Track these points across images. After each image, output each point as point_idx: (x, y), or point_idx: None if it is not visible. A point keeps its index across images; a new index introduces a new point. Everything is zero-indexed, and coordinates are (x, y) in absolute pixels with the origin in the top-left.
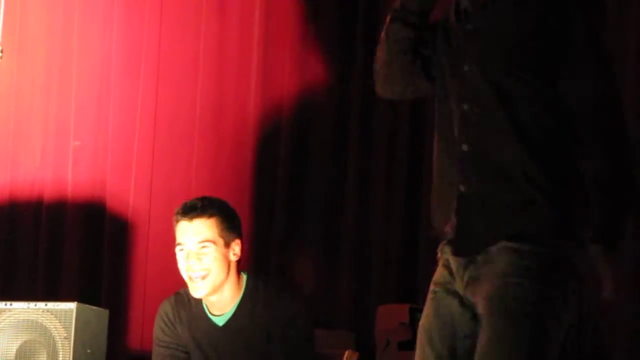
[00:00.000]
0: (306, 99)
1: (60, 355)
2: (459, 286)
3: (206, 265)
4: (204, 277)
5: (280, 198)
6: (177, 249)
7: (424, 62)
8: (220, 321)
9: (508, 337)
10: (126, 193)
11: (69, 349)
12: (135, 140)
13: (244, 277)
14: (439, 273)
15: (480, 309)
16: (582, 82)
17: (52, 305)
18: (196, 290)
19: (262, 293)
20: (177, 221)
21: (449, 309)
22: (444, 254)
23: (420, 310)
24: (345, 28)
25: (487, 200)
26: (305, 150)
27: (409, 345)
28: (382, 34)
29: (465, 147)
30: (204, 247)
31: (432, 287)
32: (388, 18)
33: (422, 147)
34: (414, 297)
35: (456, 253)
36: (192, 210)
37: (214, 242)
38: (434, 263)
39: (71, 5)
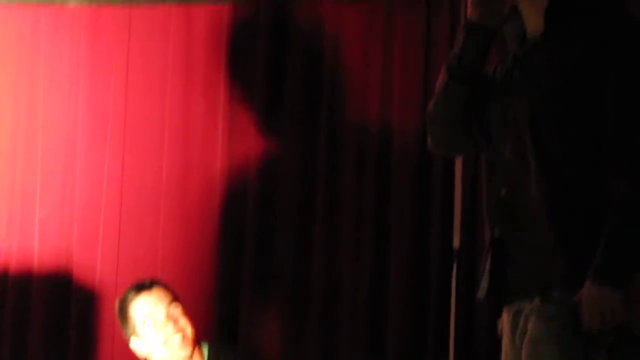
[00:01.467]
0: (272, 162)
1: None
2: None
3: (182, 324)
4: (184, 337)
5: (248, 266)
6: (147, 324)
7: (480, 117)
8: None
9: None
10: (93, 262)
11: None
12: (101, 209)
13: (205, 348)
14: (503, 351)
15: None
16: (618, 136)
17: None
18: (182, 346)
19: None
20: (133, 300)
21: None
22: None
23: None
24: (309, 89)
25: (519, 250)
26: (272, 214)
27: None
28: (439, 93)
29: (503, 192)
30: (175, 307)
31: None
32: (445, 75)
33: (388, 205)
34: (384, 356)
35: (487, 298)
36: (144, 285)
37: (180, 302)
38: (405, 322)
39: (36, 73)
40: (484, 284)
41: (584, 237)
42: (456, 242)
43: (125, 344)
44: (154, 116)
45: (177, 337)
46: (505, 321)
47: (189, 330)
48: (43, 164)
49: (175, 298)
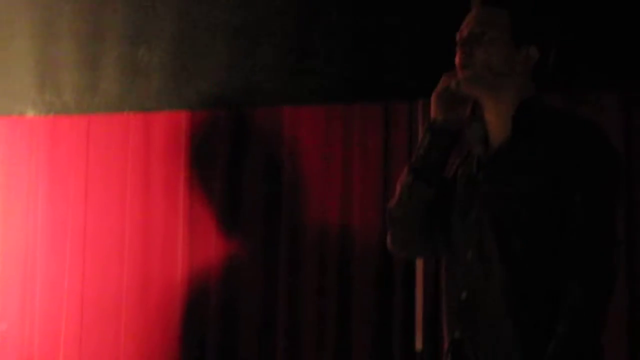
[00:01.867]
0: (233, 267)
1: None
2: None
3: None
4: None
5: None
6: None
7: (442, 220)
8: None
9: None
10: None
11: None
12: (62, 320)
13: None
14: None
15: None
16: (577, 251)
17: None
18: None
19: None
20: None
21: None
22: None
23: None
24: (269, 194)
25: (478, 351)
26: (234, 319)
27: None
28: (402, 193)
29: (463, 296)
30: None
31: None
32: (408, 177)
33: (349, 307)
34: None
35: None
36: None
37: None
38: None
39: None
40: None
41: (543, 339)
42: (418, 344)
43: None
44: (114, 224)
45: None
46: None
47: None
48: (2, 275)
49: None
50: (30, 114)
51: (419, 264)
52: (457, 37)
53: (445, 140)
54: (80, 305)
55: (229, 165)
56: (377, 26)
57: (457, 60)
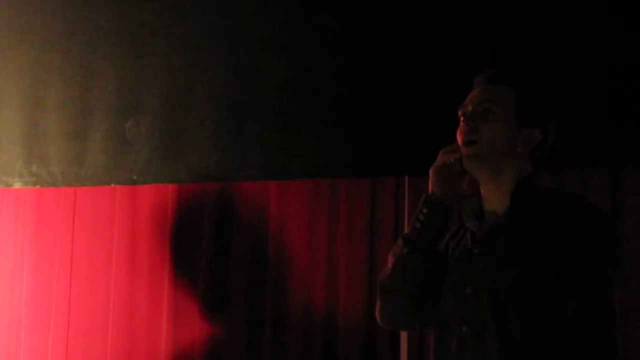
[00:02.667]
0: (217, 348)
1: None
2: None
3: None
4: None
5: None
6: None
7: (433, 293)
8: None
9: None
10: None
11: None
12: None
13: None
14: None
15: None
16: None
17: None
18: None
19: None
20: None
21: None
22: None
23: None
24: (254, 272)
25: None
26: None
27: None
28: (396, 266)
29: None
30: None
31: None
32: (404, 249)
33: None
34: None
35: None
36: None
37: None
38: None
39: None
40: None
41: None
42: None
43: None
44: (99, 297)
45: None
46: None
47: None
48: None
49: None
50: (17, 185)
51: (403, 341)
52: (460, 111)
53: (442, 214)
54: None
55: (215, 239)
56: (364, 101)
57: (459, 134)
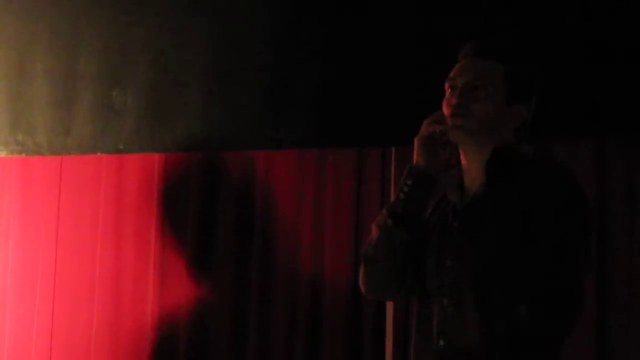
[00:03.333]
0: (203, 311)
1: None
2: None
3: None
4: None
5: None
6: None
7: (417, 264)
8: None
9: None
10: None
11: None
12: (31, 358)
13: None
14: None
15: None
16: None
17: None
18: None
19: None
20: None
21: None
22: None
23: None
24: (241, 237)
25: None
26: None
27: None
28: (381, 237)
29: (442, 343)
30: None
31: None
32: (387, 220)
33: (319, 356)
34: None
35: None
36: None
37: None
38: None
39: None
40: None
41: None
42: None
43: None
44: (85, 266)
45: None
46: None
47: None
48: None
49: None
50: (2, 154)
51: (389, 310)
52: (448, 84)
53: (425, 185)
54: (49, 347)
55: (201, 208)
56: (351, 72)
57: (445, 105)
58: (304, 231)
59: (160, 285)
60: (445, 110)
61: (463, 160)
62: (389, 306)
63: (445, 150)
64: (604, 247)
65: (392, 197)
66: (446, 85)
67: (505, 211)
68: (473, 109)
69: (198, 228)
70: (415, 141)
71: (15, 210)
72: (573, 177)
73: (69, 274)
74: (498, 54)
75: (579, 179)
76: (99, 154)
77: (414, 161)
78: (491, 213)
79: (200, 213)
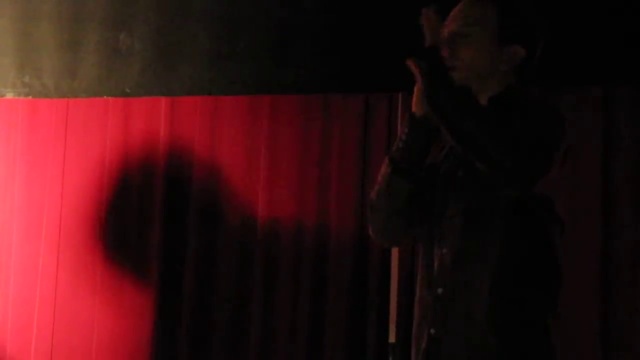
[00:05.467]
0: (207, 260)
1: None
2: None
3: None
4: None
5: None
6: None
7: (421, 210)
8: None
9: None
10: (26, 356)
11: None
12: (35, 303)
13: None
14: None
15: None
16: None
17: None
18: None
19: None
20: None
21: None
22: None
23: None
24: (245, 188)
25: (454, 346)
26: (207, 309)
27: None
28: (382, 184)
29: (440, 291)
30: None
31: None
32: (387, 168)
33: (324, 299)
34: None
35: None
36: None
37: None
38: None
39: None
40: None
41: (524, 339)
42: (392, 337)
43: None
44: (90, 208)
45: None
46: None
47: None
48: None
49: None
50: (9, 95)
51: (394, 257)
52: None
53: (424, 133)
54: (54, 291)
55: (206, 152)
56: (358, 17)
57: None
58: (309, 176)
59: (164, 224)
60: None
61: None
62: (394, 256)
63: None
64: (609, 195)
65: (393, 145)
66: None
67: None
68: (463, 58)
69: (204, 172)
70: (415, 90)
71: (22, 153)
72: (560, 113)
73: (75, 216)
74: None
75: (586, 126)
76: (105, 97)
77: (413, 109)
78: None
79: (205, 156)
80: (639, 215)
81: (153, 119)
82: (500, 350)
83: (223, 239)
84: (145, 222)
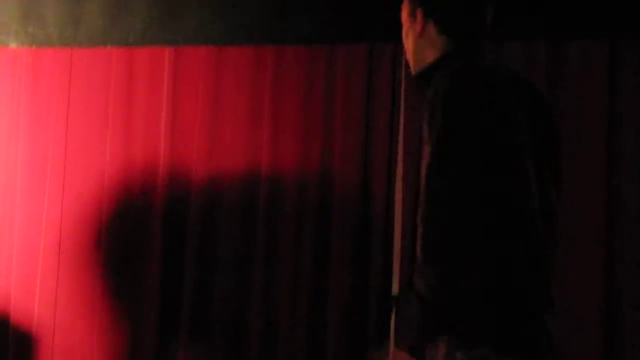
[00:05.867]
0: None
1: None
2: None
3: None
4: None
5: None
6: None
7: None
8: None
9: None
10: (31, 306)
11: None
12: (40, 252)
13: None
14: None
15: None
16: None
17: None
18: None
19: None
20: None
21: None
22: None
23: None
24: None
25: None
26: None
27: None
28: None
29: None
30: None
31: None
32: None
33: (328, 250)
34: None
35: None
36: None
37: None
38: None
39: None
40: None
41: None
42: (395, 288)
43: None
44: (94, 158)
45: None
46: None
47: None
48: None
49: None
50: (12, 45)
51: (397, 209)
52: None
53: None
54: (58, 239)
55: (209, 102)
56: None
57: None
58: (313, 126)
59: (169, 179)
60: None
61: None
62: (398, 205)
63: None
64: (614, 147)
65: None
66: None
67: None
68: (406, 50)
69: (207, 122)
70: None
71: (26, 101)
72: (464, 78)
73: (79, 166)
74: None
75: (593, 78)
76: (109, 46)
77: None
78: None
79: (209, 105)
80: None
81: (157, 70)
82: None
83: (226, 189)
84: (148, 171)
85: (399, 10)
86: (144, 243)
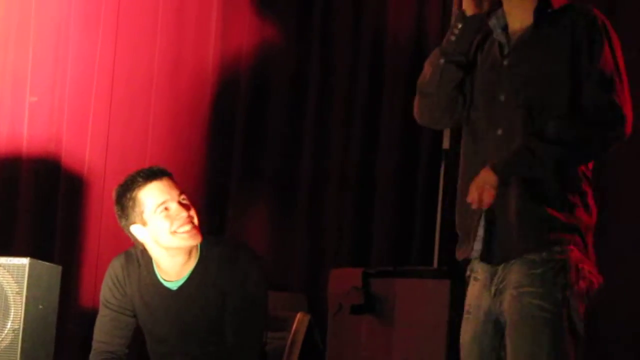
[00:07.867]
0: (264, 54)
1: (12, 310)
2: (487, 299)
3: (192, 215)
4: (194, 228)
5: (237, 154)
6: (159, 212)
7: (464, 95)
8: (173, 286)
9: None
10: (82, 149)
11: (21, 304)
12: (92, 95)
13: None
14: (470, 291)
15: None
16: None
17: (4, 260)
18: (193, 236)
19: (216, 256)
20: (143, 187)
21: (483, 330)
22: (473, 271)
23: (373, 275)
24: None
25: (508, 216)
26: (262, 106)
27: (361, 309)
28: (431, 72)
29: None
30: (184, 198)
31: (466, 307)
32: (440, 59)
33: (379, 102)
34: (367, 261)
35: (485, 260)
36: (154, 173)
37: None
38: (388, 230)
39: None
40: (477, 246)
41: (562, 207)
42: (446, 143)
43: (112, 229)
44: (148, 3)
45: (188, 228)
46: (480, 270)
47: (196, 221)
48: (35, 49)
49: (182, 189)
50: None
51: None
52: None
53: (473, 28)
54: (110, 83)
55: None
56: None
57: None
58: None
59: (222, 25)
60: None
61: (506, 5)
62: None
63: None
64: None
65: (444, 39)
66: None
67: (551, 52)
68: None
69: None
70: None
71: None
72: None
73: (132, 11)
74: None
75: None
76: None
77: (463, 8)
78: (540, 51)
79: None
80: None
81: None
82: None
83: (278, 37)
84: (202, 15)
85: None
86: (195, 88)
